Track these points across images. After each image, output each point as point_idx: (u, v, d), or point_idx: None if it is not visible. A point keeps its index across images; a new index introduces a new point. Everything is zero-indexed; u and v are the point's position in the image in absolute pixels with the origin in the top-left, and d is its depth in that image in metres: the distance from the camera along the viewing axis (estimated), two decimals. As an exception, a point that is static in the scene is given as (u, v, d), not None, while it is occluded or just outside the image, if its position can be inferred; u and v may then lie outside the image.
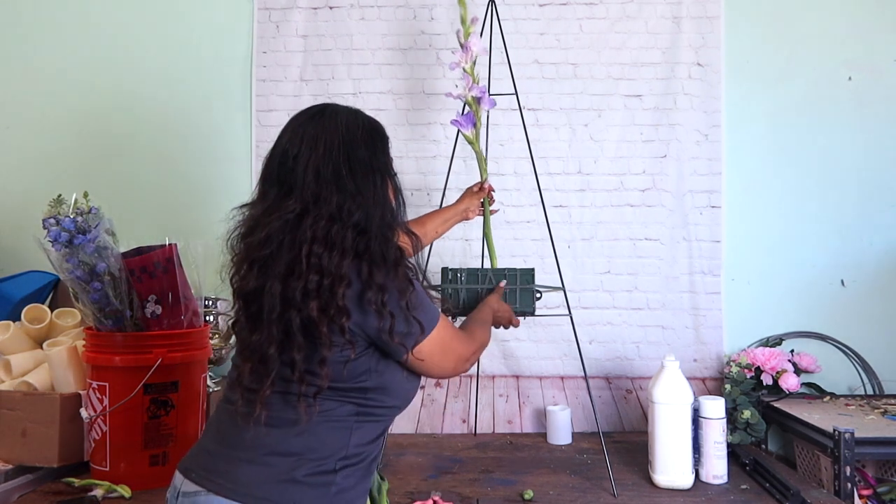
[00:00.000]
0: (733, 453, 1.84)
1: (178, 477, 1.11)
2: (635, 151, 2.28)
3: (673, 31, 2.28)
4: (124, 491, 1.58)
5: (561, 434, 2.09)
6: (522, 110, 1.91)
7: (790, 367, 2.09)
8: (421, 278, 1.16)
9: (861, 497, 1.84)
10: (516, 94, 1.89)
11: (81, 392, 1.72)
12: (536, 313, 1.68)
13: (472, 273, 1.65)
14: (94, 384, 1.66)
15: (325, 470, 1.07)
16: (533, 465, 1.87)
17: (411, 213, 1.29)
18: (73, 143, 2.38)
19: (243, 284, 1.09)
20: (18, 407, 1.70)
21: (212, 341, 1.95)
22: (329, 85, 2.31)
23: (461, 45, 1.77)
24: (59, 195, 1.66)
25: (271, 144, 1.15)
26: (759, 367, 2.09)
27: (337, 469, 1.07)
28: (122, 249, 1.69)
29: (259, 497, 1.04)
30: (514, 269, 1.66)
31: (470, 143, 1.79)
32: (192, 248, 1.74)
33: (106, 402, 1.63)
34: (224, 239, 1.15)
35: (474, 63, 1.77)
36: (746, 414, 1.96)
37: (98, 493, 1.56)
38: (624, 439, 2.09)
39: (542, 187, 1.88)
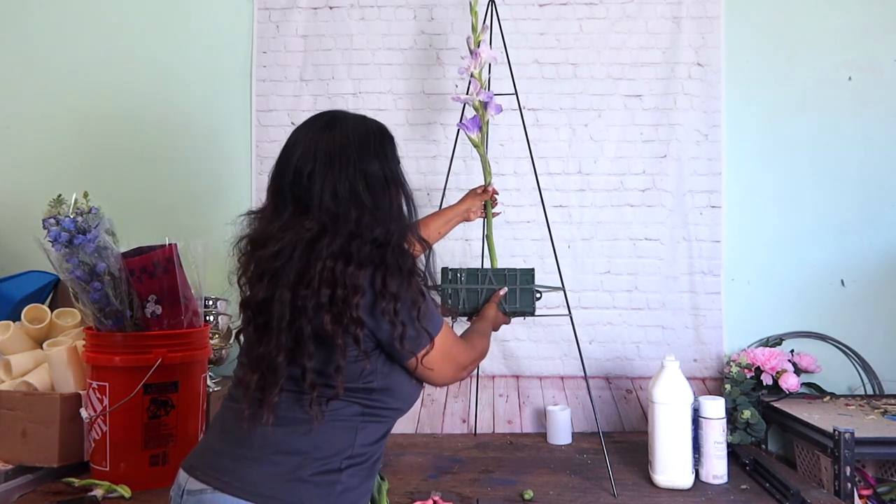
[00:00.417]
0: (733, 453, 1.84)
1: (182, 475, 1.11)
2: (635, 151, 2.28)
3: (673, 31, 2.28)
4: (124, 491, 1.58)
5: (561, 434, 2.09)
6: (522, 110, 1.91)
7: (790, 367, 2.09)
8: (430, 284, 1.18)
9: (861, 497, 1.84)
10: (516, 94, 1.89)
11: (81, 392, 1.72)
12: (536, 313, 1.68)
13: (472, 273, 1.65)
14: (94, 384, 1.66)
15: (331, 469, 1.07)
16: (533, 465, 1.87)
17: (412, 214, 1.30)
18: (73, 143, 2.38)
19: (252, 295, 1.10)
20: (18, 407, 1.70)
21: (212, 341, 1.95)
22: (329, 85, 2.31)
23: (470, 52, 1.80)
24: (59, 195, 1.67)
25: (275, 146, 1.16)
26: (759, 367, 2.09)
27: (342, 468, 1.08)
28: (122, 249, 1.69)
29: (266, 495, 1.05)
30: (514, 270, 1.66)
31: (475, 146, 1.81)
32: (192, 248, 1.74)
33: (106, 402, 1.63)
34: (231, 245, 1.16)
35: (482, 69, 1.80)
36: (746, 414, 1.96)
37: (98, 493, 1.56)
38: (624, 439, 2.09)
39: (542, 187, 1.89)
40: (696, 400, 1.70)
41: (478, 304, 1.62)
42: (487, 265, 1.83)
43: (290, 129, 1.20)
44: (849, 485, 1.68)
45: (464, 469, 1.84)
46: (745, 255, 2.27)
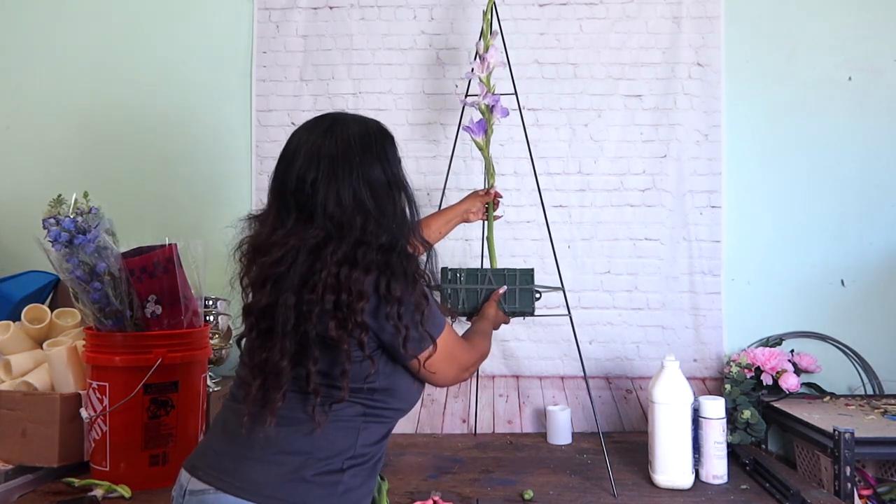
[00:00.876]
0: (733, 453, 1.84)
1: (184, 475, 1.11)
2: (635, 151, 2.28)
3: (673, 31, 2.28)
4: (124, 491, 1.58)
5: (561, 434, 2.09)
6: (522, 110, 1.91)
7: (790, 367, 2.09)
8: (432, 285, 1.18)
9: (861, 497, 1.84)
10: (516, 94, 1.89)
11: (81, 392, 1.72)
12: (536, 313, 1.68)
13: (472, 273, 1.65)
14: (94, 384, 1.66)
15: (333, 469, 1.08)
16: (533, 465, 1.87)
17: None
18: (74, 143, 2.38)
19: (255, 301, 1.09)
20: (18, 407, 1.70)
21: (212, 341, 1.95)
22: (329, 85, 2.31)
23: (479, 56, 1.81)
24: (59, 195, 1.67)
25: (275, 146, 1.16)
26: (759, 367, 2.09)
27: (344, 468, 1.08)
28: (122, 249, 1.69)
29: (268, 496, 1.05)
30: (514, 270, 1.66)
31: (480, 149, 1.82)
32: (192, 248, 1.74)
33: (106, 402, 1.63)
34: (232, 250, 1.16)
35: (490, 73, 1.81)
36: (746, 414, 1.96)
37: (98, 493, 1.56)
38: (624, 439, 2.09)
39: (541, 187, 1.89)
40: (696, 400, 1.70)
41: (477, 304, 1.62)
42: (487, 265, 1.83)
43: (290, 129, 1.20)
44: (849, 485, 1.68)
45: (464, 469, 1.84)
46: (745, 255, 2.27)
